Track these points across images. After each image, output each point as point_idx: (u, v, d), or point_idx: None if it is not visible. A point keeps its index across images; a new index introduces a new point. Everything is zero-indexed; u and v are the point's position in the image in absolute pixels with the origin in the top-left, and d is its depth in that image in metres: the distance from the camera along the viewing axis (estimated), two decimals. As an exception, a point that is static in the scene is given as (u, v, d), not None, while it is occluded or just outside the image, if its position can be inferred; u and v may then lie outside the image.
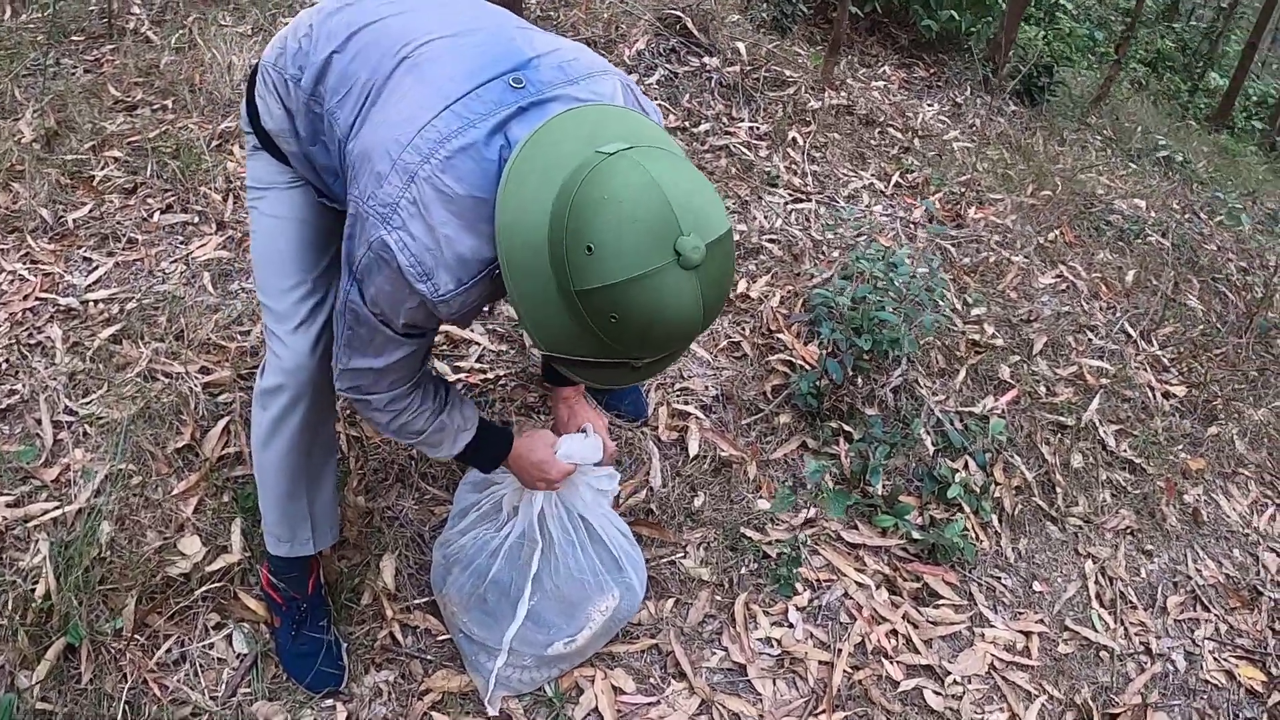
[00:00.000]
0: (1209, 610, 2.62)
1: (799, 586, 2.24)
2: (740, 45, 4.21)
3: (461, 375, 2.49)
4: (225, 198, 2.91)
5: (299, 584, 1.88)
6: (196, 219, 2.83)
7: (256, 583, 2.00)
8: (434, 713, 1.88)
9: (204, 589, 1.96)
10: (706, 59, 4.07)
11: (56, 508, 2.00)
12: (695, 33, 4.14)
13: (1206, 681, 2.42)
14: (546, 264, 1.16)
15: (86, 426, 2.17)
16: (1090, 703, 2.23)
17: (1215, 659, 2.48)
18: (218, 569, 1.99)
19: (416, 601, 2.05)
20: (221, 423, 2.21)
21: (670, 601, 2.14)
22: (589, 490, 1.86)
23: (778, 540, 2.32)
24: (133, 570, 1.92)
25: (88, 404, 2.22)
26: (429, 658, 1.97)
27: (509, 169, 1.22)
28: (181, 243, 2.74)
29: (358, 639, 1.98)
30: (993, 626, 2.33)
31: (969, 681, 2.18)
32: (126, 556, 1.94)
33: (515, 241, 1.19)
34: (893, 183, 3.93)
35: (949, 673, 2.18)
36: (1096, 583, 2.55)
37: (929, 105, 4.89)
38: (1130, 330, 3.49)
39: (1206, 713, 2.36)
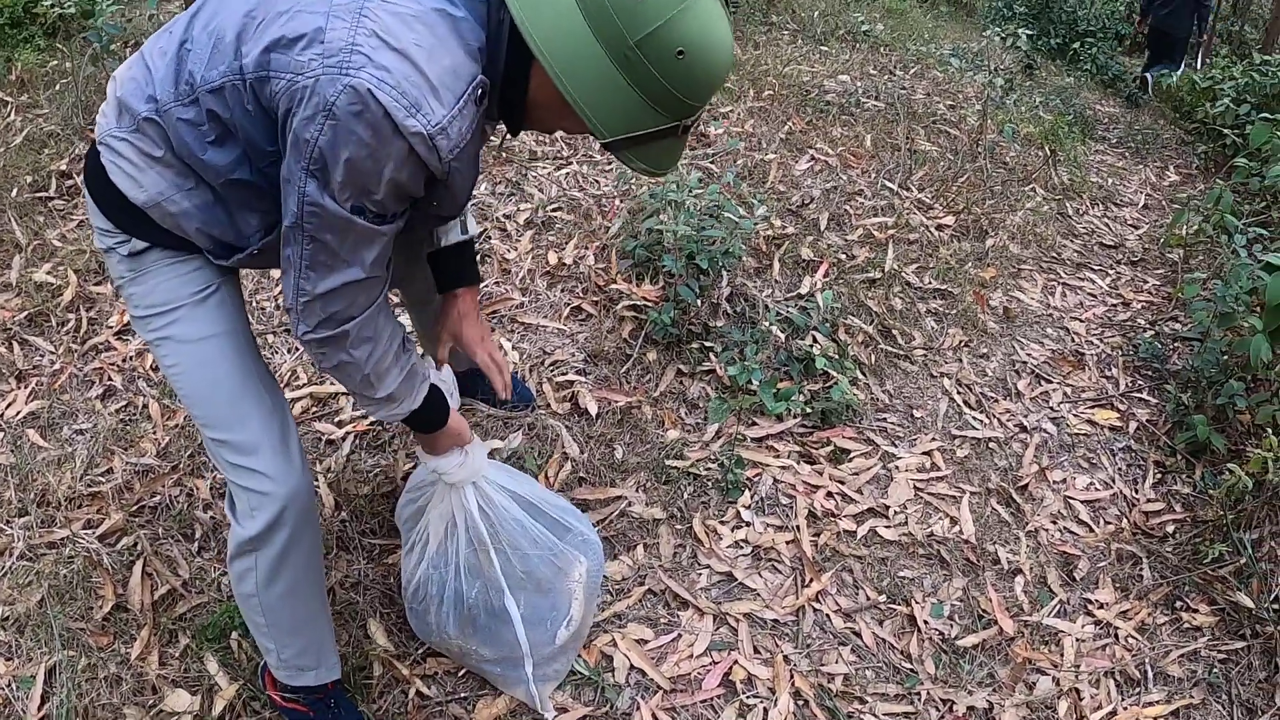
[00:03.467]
0: (1051, 381, 3.23)
1: (739, 488, 2.58)
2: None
3: (347, 428, 2.63)
4: (9, 345, 2.86)
5: (316, 691, 1.85)
6: (-16, 377, 2.78)
7: (265, 707, 1.99)
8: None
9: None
10: None
11: (11, 732, 1.92)
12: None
13: (1077, 434, 3.03)
14: (592, 40, 1.23)
15: (-4, 631, 2.10)
16: (1002, 484, 2.75)
17: (1075, 415, 3.08)
18: (220, 711, 1.96)
19: (422, 651, 2.16)
20: (137, 569, 2.21)
21: (639, 548, 2.41)
22: (488, 464, 1.89)
23: (699, 460, 2.64)
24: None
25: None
26: (462, 695, 2.09)
27: None
28: (-17, 408, 2.69)
29: (389, 710, 2.04)
30: (901, 458, 2.78)
31: (906, 507, 2.62)
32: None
33: (553, 34, 1.23)
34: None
35: (888, 507, 2.60)
36: (959, 393, 3.08)
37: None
38: (890, 185, 4.07)
39: (1088, 456, 2.95)
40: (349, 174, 1.24)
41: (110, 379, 2.80)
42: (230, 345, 1.57)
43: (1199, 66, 9.47)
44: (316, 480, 2.44)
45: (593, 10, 1.22)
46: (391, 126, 1.20)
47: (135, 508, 2.38)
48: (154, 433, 2.60)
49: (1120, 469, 2.99)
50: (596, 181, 3.79)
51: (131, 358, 2.87)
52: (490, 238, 3.40)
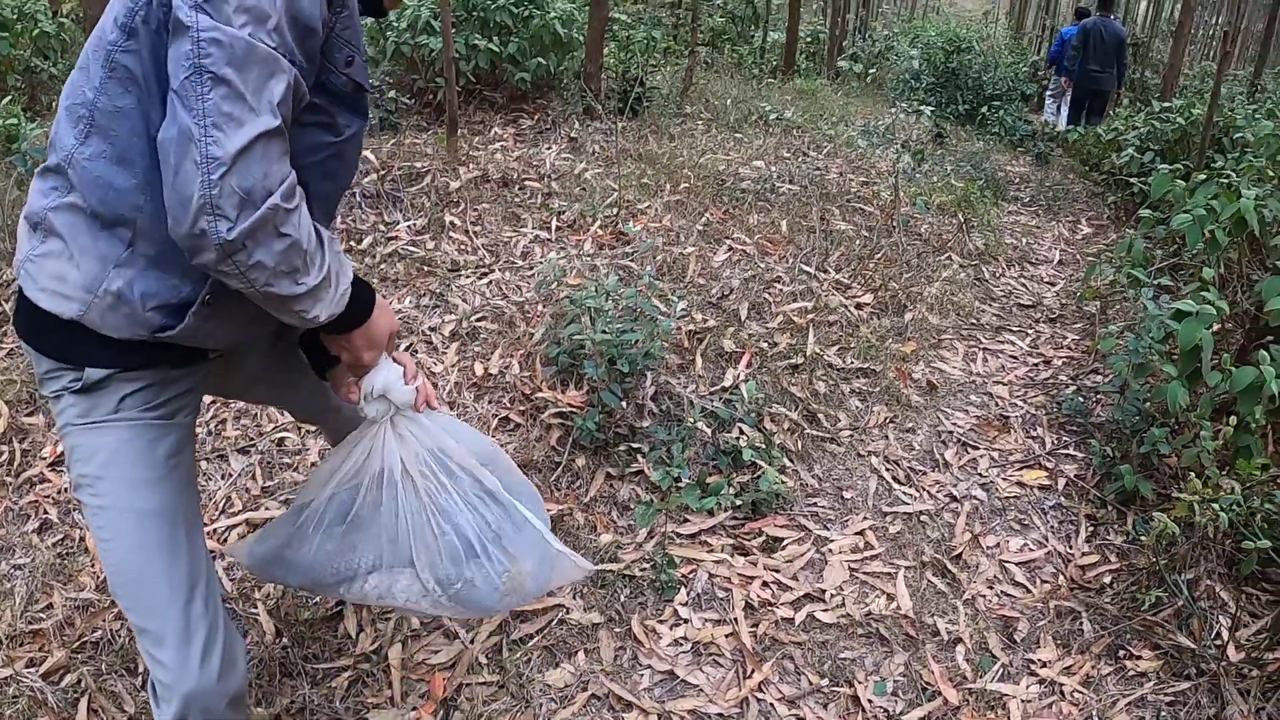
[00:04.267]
0: (978, 448, 3.35)
1: (675, 586, 2.64)
2: (366, 153, 4.60)
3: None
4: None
5: None
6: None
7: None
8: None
9: None
10: None
11: None
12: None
13: (1007, 497, 3.15)
14: None
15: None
16: (936, 555, 2.84)
17: (1003, 479, 3.20)
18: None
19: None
20: (82, 706, 2.24)
21: (580, 654, 2.46)
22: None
23: (634, 561, 2.71)
24: None
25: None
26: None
27: None
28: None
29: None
30: (834, 540, 2.87)
31: (842, 589, 2.70)
32: None
33: None
34: (554, 229, 4.46)
35: (824, 590, 2.68)
36: (887, 469, 3.18)
37: (549, 149, 5.51)
38: (808, 268, 4.23)
39: (1020, 518, 3.07)
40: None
41: (46, 512, 2.82)
42: (168, 526, 1.53)
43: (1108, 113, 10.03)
44: (255, 608, 2.47)
45: None
46: None
47: (77, 644, 2.39)
48: (92, 565, 2.62)
49: (1052, 527, 3.10)
50: (518, 288, 3.91)
51: (65, 489, 2.89)
52: (416, 351, 3.49)
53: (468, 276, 4.00)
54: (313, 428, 2.90)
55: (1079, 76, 9.87)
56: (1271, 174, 4.07)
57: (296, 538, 1.81)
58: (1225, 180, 3.80)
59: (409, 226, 4.30)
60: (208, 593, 1.56)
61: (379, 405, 1.69)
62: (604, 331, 3.10)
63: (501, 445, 3.08)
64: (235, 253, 1.24)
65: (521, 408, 3.24)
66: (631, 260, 4.13)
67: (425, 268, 4.01)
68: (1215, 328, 3.36)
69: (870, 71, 11.68)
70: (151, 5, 1.28)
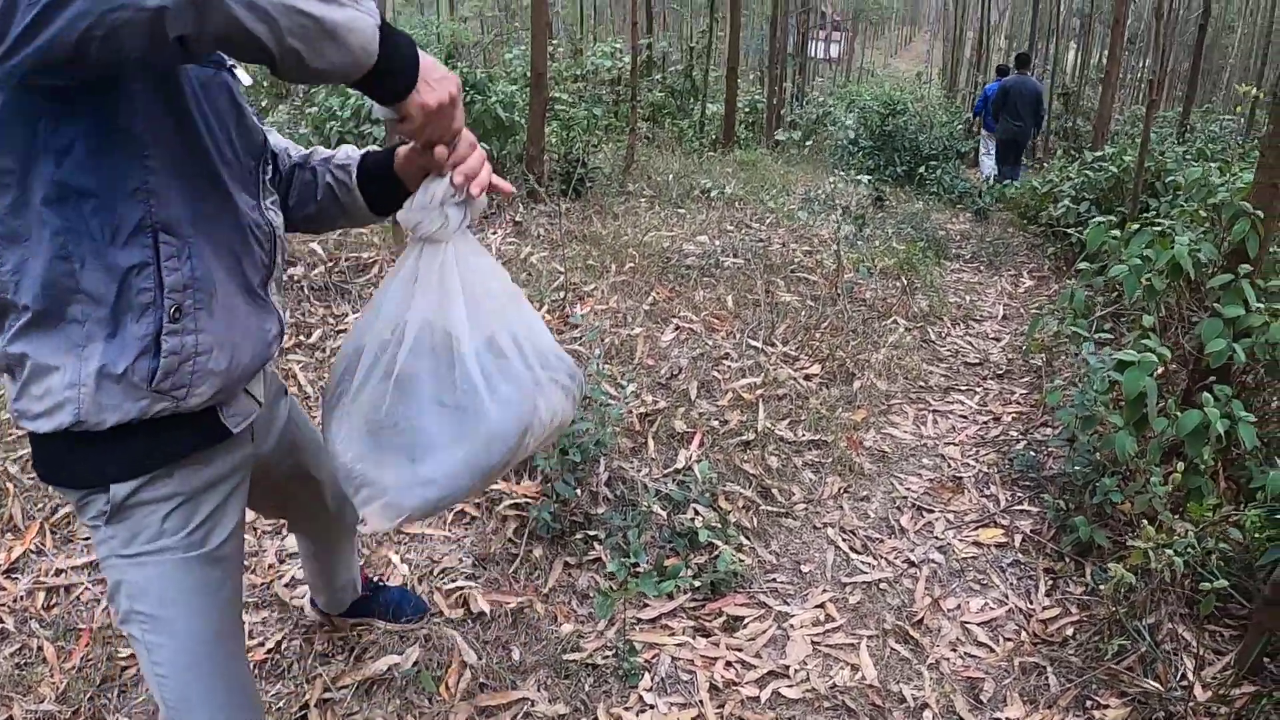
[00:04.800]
0: (933, 511, 3.42)
1: (638, 673, 2.66)
2: (314, 245, 4.68)
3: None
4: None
5: None
6: None
7: None
8: None
9: None
10: (291, 270, 4.47)
11: None
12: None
13: (965, 558, 3.22)
14: None
15: None
16: (898, 623, 2.89)
17: (960, 540, 3.27)
18: None
19: None
20: None
21: (543, 750, 2.47)
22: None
23: (596, 650, 2.73)
24: None
25: None
26: None
27: None
28: None
29: None
30: (794, 615, 2.91)
31: (805, 664, 2.73)
32: None
33: None
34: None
35: (788, 666, 2.71)
36: (844, 540, 3.24)
37: (494, 234, 5.60)
38: (755, 342, 4.32)
39: (979, 577, 3.14)
40: None
41: (1, 620, 2.78)
42: (224, 657, 1.60)
43: (1031, 163, 10.53)
44: None
45: None
46: None
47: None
48: (51, 676, 2.58)
49: (1012, 583, 3.17)
50: (471, 379, 3.95)
51: (22, 597, 2.85)
52: None
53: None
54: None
55: (1001, 130, 10.41)
56: (1204, 215, 4.23)
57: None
58: (1158, 228, 3.95)
59: (357, 319, 4.34)
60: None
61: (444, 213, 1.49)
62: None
63: (457, 540, 3.11)
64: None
65: (476, 500, 3.27)
66: (580, 344, 4.19)
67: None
68: (1159, 371, 3.49)
69: (808, 142, 11.98)
70: None
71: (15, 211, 1.28)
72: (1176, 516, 2.95)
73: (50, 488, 1.53)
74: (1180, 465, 3.07)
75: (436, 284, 1.50)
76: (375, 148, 1.71)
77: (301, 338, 4.15)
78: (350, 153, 1.71)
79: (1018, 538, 3.34)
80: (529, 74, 6.85)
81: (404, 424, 1.52)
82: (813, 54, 29.84)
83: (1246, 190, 3.72)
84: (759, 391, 3.92)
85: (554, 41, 11.46)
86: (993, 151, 10.87)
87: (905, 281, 5.36)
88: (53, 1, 0.95)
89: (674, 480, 3.31)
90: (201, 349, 1.42)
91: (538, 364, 1.57)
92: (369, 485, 1.54)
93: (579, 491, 3.14)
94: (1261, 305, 3.36)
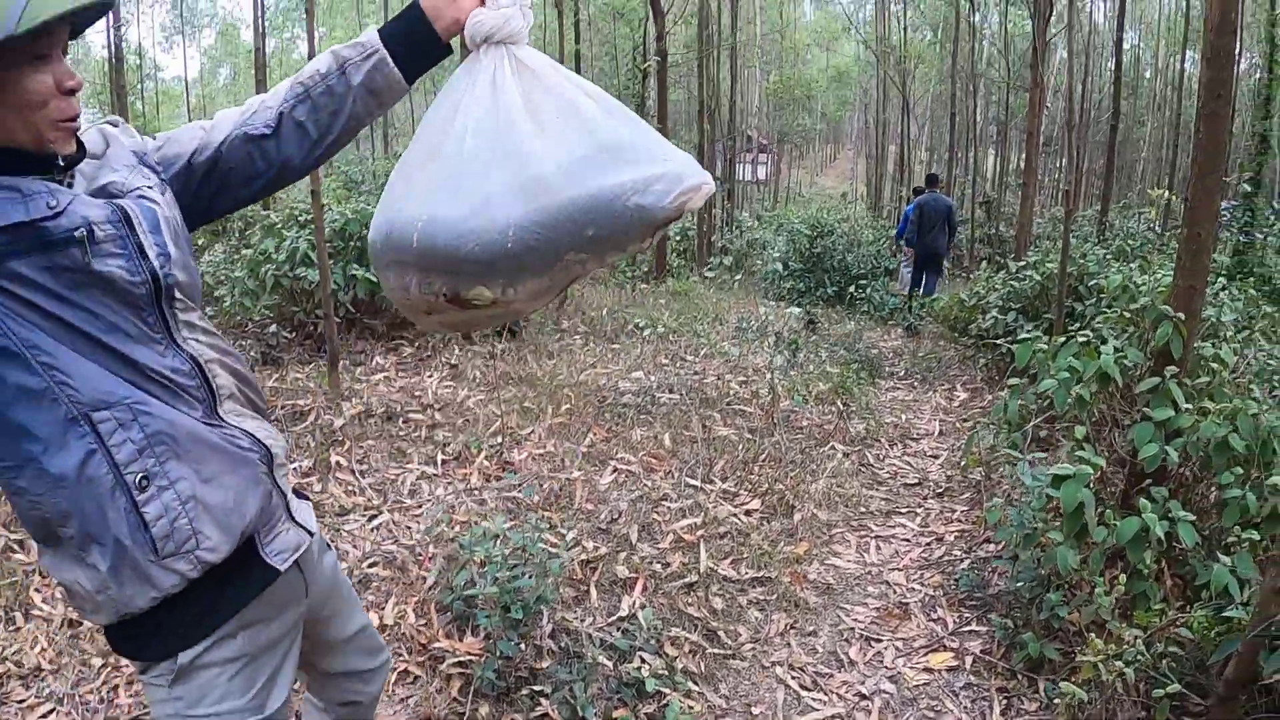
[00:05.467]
0: (881, 640, 3.44)
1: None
2: None
3: None
4: None
5: None
6: None
7: None
8: None
9: None
10: None
11: None
12: (206, 400, 4.52)
13: (916, 685, 3.22)
14: None
15: None
16: (846, 764, 2.86)
17: (910, 668, 3.28)
18: None
19: None
20: None
21: None
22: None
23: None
24: None
25: None
26: None
27: None
28: None
29: None
30: (746, 763, 2.88)
31: (757, 815, 2.69)
32: None
33: None
34: (440, 462, 4.53)
35: (739, 819, 2.67)
36: (793, 678, 3.24)
37: (430, 377, 5.65)
38: (693, 481, 4.37)
39: (932, 704, 3.15)
40: None
41: None
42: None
43: (960, 272, 10.99)
44: None
45: None
46: None
47: None
48: None
49: (965, 707, 3.17)
50: (408, 529, 3.94)
51: None
52: None
53: (357, 520, 4.02)
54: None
55: (918, 245, 10.96)
56: (1128, 316, 4.36)
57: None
58: (1084, 339, 4.09)
59: (295, 469, 4.33)
60: None
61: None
62: (495, 578, 3.15)
63: (401, 700, 3.06)
64: None
65: (420, 658, 3.23)
66: (519, 490, 4.21)
67: (314, 512, 4.02)
68: (1096, 476, 3.58)
69: (738, 273, 12.30)
70: None
71: None
72: (1124, 624, 3.00)
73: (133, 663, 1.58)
74: (1124, 572, 3.14)
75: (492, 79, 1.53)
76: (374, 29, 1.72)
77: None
78: (364, 40, 1.69)
79: (968, 659, 3.36)
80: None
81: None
82: (740, 177, 30.84)
83: (1167, 292, 3.88)
84: (700, 532, 3.95)
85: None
86: (912, 265, 11.41)
87: (841, 405, 5.47)
88: None
89: (618, 628, 3.30)
90: (185, 496, 1.45)
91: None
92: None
93: (523, 646, 3.12)
94: (1190, 406, 3.48)
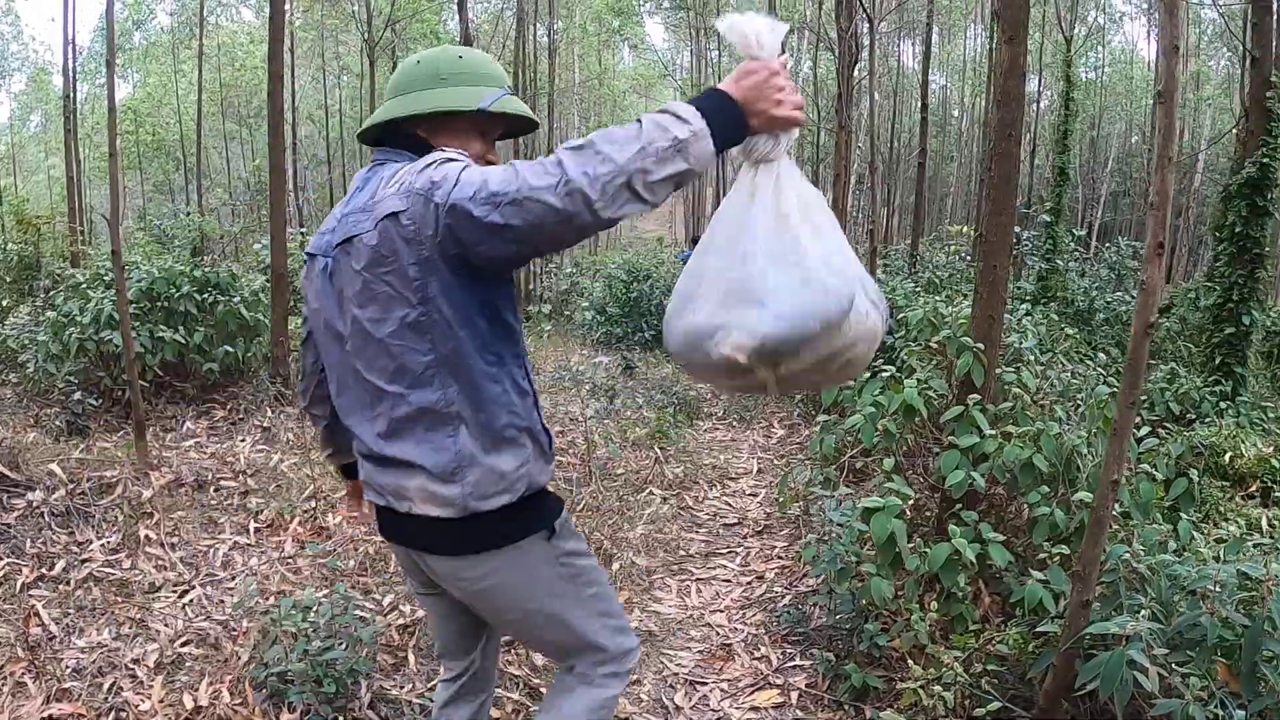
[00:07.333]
0: (706, 683, 3.51)
1: None
2: (53, 466, 4.42)
3: None
4: None
5: None
6: None
7: None
8: None
9: None
10: (30, 494, 4.22)
11: None
12: (8, 472, 4.26)
13: (746, 728, 3.27)
14: None
15: None
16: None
17: (737, 708, 3.35)
18: None
19: None
20: None
21: None
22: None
23: None
24: None
25: None
26: None
27: None
28: None
29: None
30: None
31: None
32: None
33: None
34: (253, 530, 4.40)
35: None
36: (620, 730, 3.26)
37: (242, 441, 5.47)
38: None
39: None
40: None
41: None
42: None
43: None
44: None
45: None
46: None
47: None
48: None
49: (794, 742, 3.27)
50: (221, 603, 3.80)
51: None
52: (121, 689, 3.28)
53: (168, 596, 3.85)
54: None
55: None
56: (933, 348, 4.60)
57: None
58: (888, 372, 4.30)
59: (102, 545, 4.12)
60: None
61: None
62: (306, 650, 3.08)
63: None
64: (588, 189, 1.57)
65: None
66: (335, 554, 4.12)
67: (123, 590, 3.83)
68: (909, 505, 3.76)
69: (556, 319, 12.38)
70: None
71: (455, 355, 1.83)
72: (943, 646, 3.16)
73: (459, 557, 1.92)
74: (937, 598, 3.31)
75: (773, 187, 1.77)
76: None
77: (44, 570, 3.88)
78: None
79: (794, 694, 3.46)
80: (271, 273, 6.88)
81: (751, 282, 1.72)
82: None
83: (968, 323, 4.14)
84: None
85: (303, 230, 11.47)
86: None
87: (658, 450, 5.58)
88: None
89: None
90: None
91: (854, 268, 1.79)
92: (723, 328, 1.73)
93: (343, 717, 3.06)
94: (994, 432, 3.71)
